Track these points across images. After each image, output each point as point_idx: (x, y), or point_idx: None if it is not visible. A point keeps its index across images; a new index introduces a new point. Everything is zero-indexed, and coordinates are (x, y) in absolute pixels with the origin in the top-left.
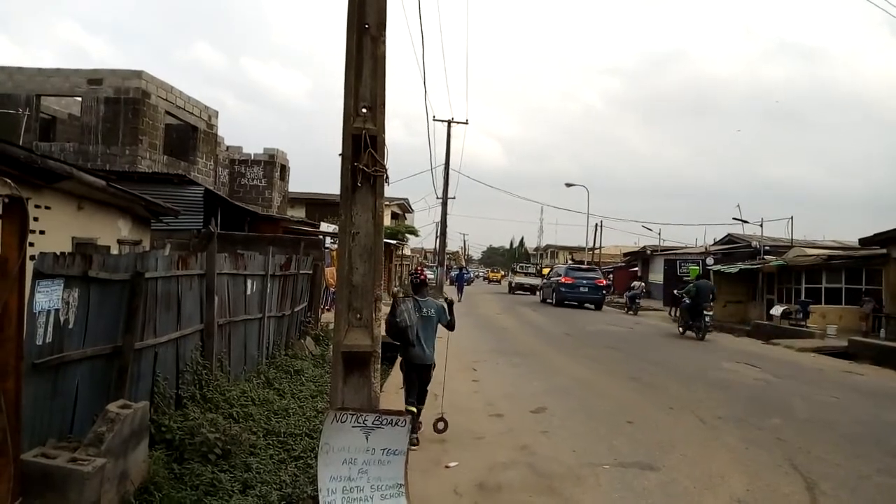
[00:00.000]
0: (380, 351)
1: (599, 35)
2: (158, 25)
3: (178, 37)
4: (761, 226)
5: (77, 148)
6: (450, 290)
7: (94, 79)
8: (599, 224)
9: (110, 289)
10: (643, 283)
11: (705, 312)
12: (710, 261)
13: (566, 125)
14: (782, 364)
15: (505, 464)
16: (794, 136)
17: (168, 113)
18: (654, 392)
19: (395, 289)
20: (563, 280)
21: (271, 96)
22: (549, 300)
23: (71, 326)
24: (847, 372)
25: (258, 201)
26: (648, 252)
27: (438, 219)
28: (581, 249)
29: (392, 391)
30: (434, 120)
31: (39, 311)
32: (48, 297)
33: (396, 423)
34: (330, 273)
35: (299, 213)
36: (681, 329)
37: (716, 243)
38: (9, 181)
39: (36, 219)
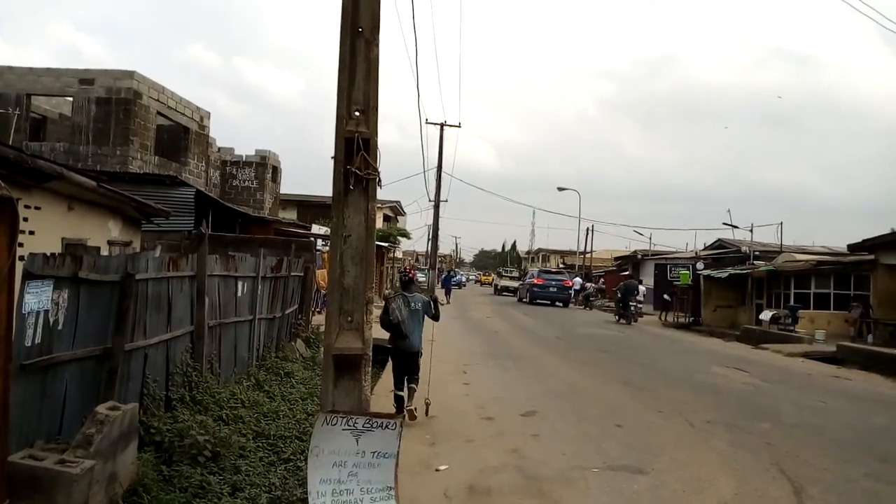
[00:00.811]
0: (371, 354)
1: (593, 39)
2: (152, 25)
3: (172, 37)
4: (751, 231)
5: (67, 148)
6: (440, 294)
7: (86, 79)
8: (591, 228)
9: (100, 290)
10: (593, 284)
11: (631, 304)
12: (700, 265)
13: (560, 129)
14: (771, 369)
15: (495, 467)
16: (786, 142)
17: (160, 113)
18: (644, 395)
19: (387, 291)
20: (535, 281)
21: (264, 97)
22: (524, 299)
23: (60, 328)
24: (835, 377)
25: (250, 203)
26: (639, 256)
27: (431, 221)
28: (573, 253)
29: (383, 394)
30: (427, 123)
31: (29, 312)
32: (37, 298)
33: (387, 427)
34: (321, 275)
35: (291, 215)
36: (616, 317)
37: (706, 248)
38: None
39: (26, 219)
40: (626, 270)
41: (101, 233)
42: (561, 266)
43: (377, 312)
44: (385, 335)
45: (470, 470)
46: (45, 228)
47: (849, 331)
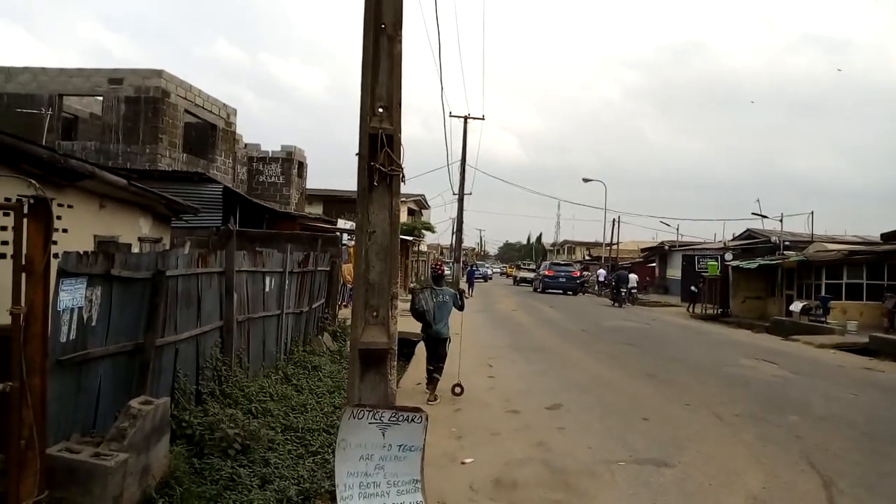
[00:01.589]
0: (396, 348)
1: (617, 26)
2: (179, 22)
3: (199, 33)
4: (781, 221)
5: (98, 147)
6: (464, 286)
7: (115, 78)
8: (617, 219)
9: (132, 287)
10: (589, 273)
11: (622, 290)
12: (728, 256)
13: (584, 118)
14: (801, 360)
15: (521, 460)
16: (815, 129)
17: (187, 111)
18: (671, 388)
19: (412, 285)
20: (546, 273)
21: (290, 92)
22: (538, 289)
23: (94, 324)
24: (867, 369)
25: (276, 198)
26: (666, 248)
27: (455, 215)
28: (599, 245)
29: (409, 387)
30: (451, 116)
31: (63, 310)
32: (72, 296)
33: (413, 420)
34: (347, 269)
35: (317, 210)
36: (612, 301)
37: (735, 238)
38: (34, 182)
39: (59, 217)
40: (652, 262)
41: (132, 230)
42: (587, 258)
43: (402, 307)
44: (410, 328)
45: (496, 463)
46: (77, 226)
47: (882, 322)
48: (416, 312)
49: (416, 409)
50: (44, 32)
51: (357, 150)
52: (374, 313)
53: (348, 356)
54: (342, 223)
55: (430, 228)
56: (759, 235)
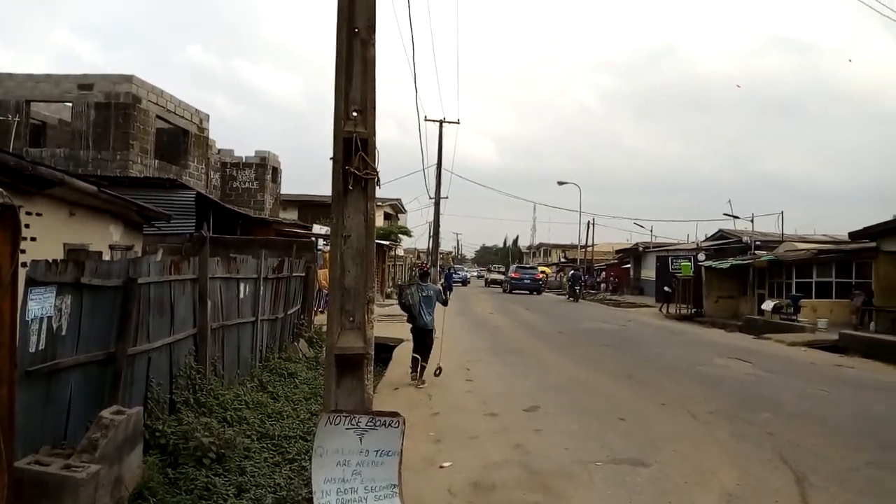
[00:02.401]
0: (373, 353)
1: (591, 31)
2: (149, 28)
3: (170, 39)
4: (752, 221)
5: (68, 153)
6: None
7: (85, 84)
8: (592, 222)
9: (103, 295)
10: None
11: (576, 288)
12: (701, 256)
13: (559, 122)
14: (773, 358)
15: (499, 462)
16: (786, 130)
17: (159, 117)
18: (646, 388)
19: (389, 289)
20: (513, 275)
21: (264, 98)
22: (506, 290)
23: (63, 333)
24: (837, 365)
25: (250, 204)
26: (640, 249)
27: (431, 219)
28: (574, 247)
29: (386, 392)
30: (426, 120)
31: (32, 319)
32: (41, 305)
33: (390, 425)
34: (323, 275)
35: (292, 215)
36: (567, 297)
37: (707, 239)
38: (1, 190)
39: (27, 226)
40: (627, 263)
41: (103, 237)
42: (563, 260)
43: (379, 311)
44: (387, 333)
45: (474, 466)
46: (46, 234)
47: (851, 319)
48: (404, 306)
49: (394, 414)
50: (12, 39)
51: (332, 155)
52: (351, 318)
53: (324, 362)
54: (317, 228)
55: (406, 233)
56: (731, 236)
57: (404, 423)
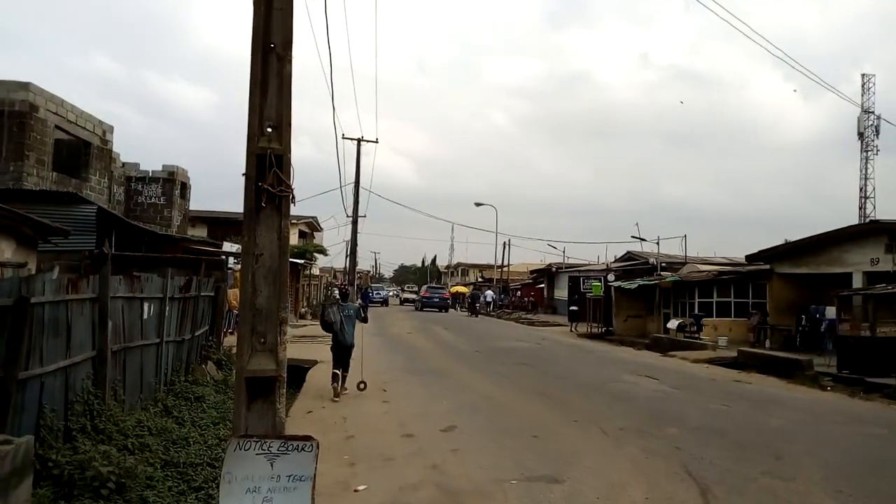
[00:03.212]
0: (286, 375)
1: (506, 57)
2: (50, 34)
3: (72, 46)
4: (658, 244)
5: None
6: None
7: None
8: (507, 242)
9: None
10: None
11: (477, 305)
12: (611, 277)
13: (476, 144)
14: (679, 375)
15: (414, 484)
16: (689, 159)
17: (58, 127)
18: (560, 406)
19: (303, 309)
20: (424, 294)
21: (173, 111)
22: (418, 308)
23: None
24: (737, 381)
25: (157, 220)
26: (554, 269)
27: (349, 237)
28: (490, 267)
29: (299, 416)
30: (343, 138)
31: None
32: None
33: (303, 449)
34: (233, 294)
35: (201, 233)
36: (469, 313)
37: (616, 260)
38: None
39: None
40: (541, 283)
41: None
42: (480, 279)
43: (292, 332)
44: (300, 355)
45: (389, 489)
46: None
47: (748, 337)
48: (325, 324)
49: (307, 438)
50: None
51: (244, 171)
52: (262, 340)
53: (234, 385)
54: (228, 246)
55: (322, 251)
56: (639, 257)
57: (318, 447)
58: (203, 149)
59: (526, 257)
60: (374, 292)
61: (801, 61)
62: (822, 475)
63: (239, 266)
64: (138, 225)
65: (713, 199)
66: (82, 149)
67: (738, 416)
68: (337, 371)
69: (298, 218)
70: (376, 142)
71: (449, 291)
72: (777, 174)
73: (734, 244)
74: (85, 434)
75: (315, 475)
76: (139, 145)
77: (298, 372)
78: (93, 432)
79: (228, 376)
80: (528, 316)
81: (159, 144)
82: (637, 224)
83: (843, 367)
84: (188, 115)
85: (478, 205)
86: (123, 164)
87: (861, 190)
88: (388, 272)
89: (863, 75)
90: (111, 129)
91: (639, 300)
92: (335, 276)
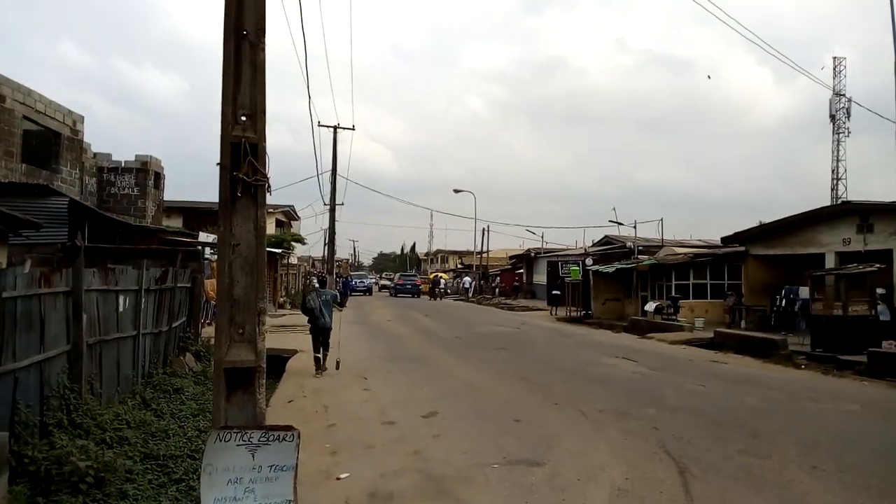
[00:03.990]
0: (265, 365)
1: (484, 42)
2: (14, 21)
3: (39, 34)
4: (635, 227)
5: None
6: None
7: None
8: (486, 229)
9: None
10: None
11: (437, 289)
12: (589, 261)
13: (454, 130)
14: (656, 357)
15: (396, 471)
16: (665, 143)
17: (26, 118)
18: (540, 390)
19: (282, 299)
20: (398, 281)
21: (145, 99)
22: (392, 294)
23: None
24: (713, 361)
25: (131, 211)
26: (532, 254)
27: (326, 226)
28: (470, 253)
29: (280, 406)
30: (319, 125)
31: None
32: None
33: (284, 439)
34: (210, 285)
35: (176, 223)
36: (430, 297)
37: (594, 245)
38: None
39: None
40: (520, 268)
41: None
42: (460, 266)
43: (271, 322)
44: (280, 345)
45: (371, 476)
46: None
47: (724, 318)
48: (306, 309)
49: (288, 428)
50: None
51: (219, 160)
52: (240, 330)
53: (213, 376)
54: (204, 236)
55: (299, 240)
56: (616, 241)
57: (299, 437)
58: (177, 138)
59: (505, 243)
60: (358, 281)
61: (775, 44)
62: (798, 452)
63: (215, 256)
64: (112, 216)
65: (689, 182)
66: (52, 139)
67: (714, 395)
68: (318, 355)
69: (275, 207)
70: (353, 129)
71: (420, 279)
72: (751, 157)
73: (710, 227)
74: (62, 429)
75: (297, 465)
76: (111, 135)
77: (278, 361)
78: (70, 427)
79: (207, 367)
80: (508, 301)
81: (132, 134)
82: (615, 209)
83: (816, 345)
84: (161, 104)
85: (456, 191)
86: (95, 154)
87: (833, 171)
88: (367, 260)
89: (834, 58)
90: (81, 119)
91: (617, 283)
92: (314, 265)
